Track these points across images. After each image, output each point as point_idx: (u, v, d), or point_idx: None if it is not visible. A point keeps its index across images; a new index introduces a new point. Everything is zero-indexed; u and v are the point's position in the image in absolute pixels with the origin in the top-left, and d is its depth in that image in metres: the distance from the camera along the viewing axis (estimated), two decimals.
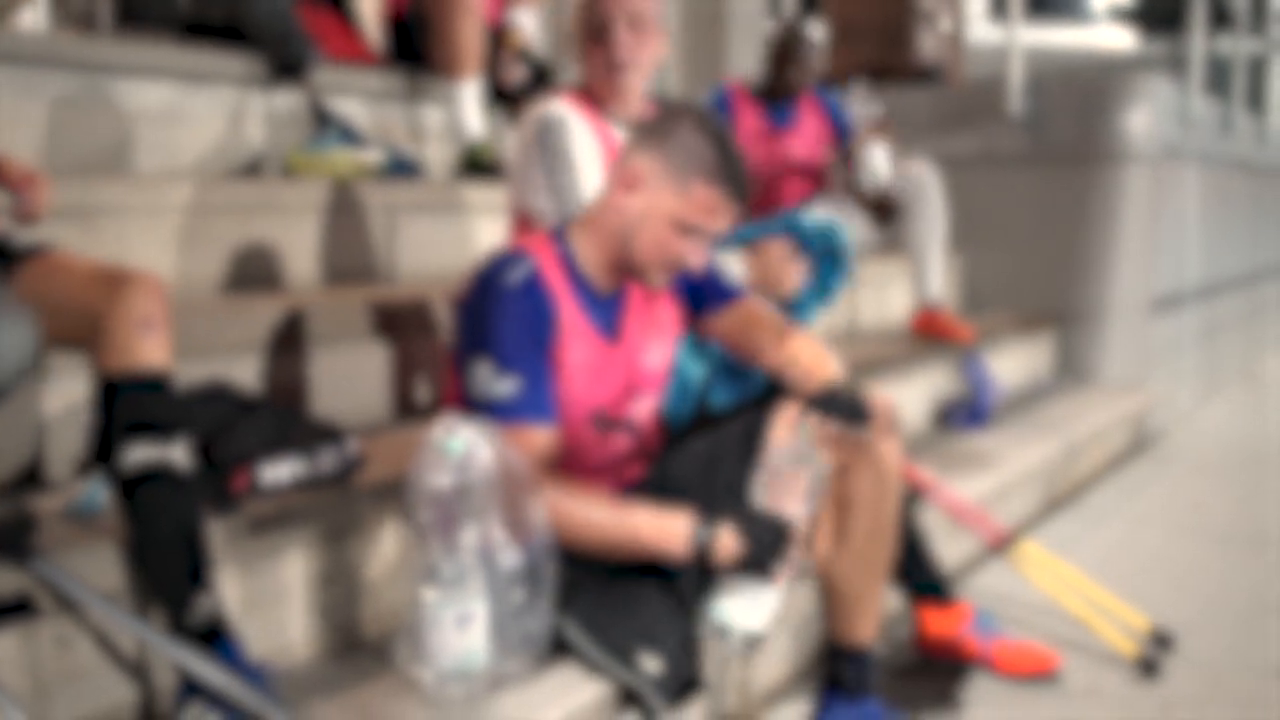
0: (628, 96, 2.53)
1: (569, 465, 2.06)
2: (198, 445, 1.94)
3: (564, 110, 2.52)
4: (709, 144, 2.01)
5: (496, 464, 1.82)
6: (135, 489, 1.70)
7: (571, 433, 2.07)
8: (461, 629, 1.79)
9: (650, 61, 2.53)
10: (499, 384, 1.95)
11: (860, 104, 4.06)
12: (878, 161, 4.03)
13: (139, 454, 1.69)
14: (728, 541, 1.94)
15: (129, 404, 1.70)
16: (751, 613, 1.97)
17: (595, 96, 2.54)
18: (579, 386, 2.06)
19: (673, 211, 2.01)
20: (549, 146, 2.48)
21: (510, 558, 1.84)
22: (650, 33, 2.50)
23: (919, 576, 2.61)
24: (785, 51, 4.22)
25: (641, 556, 1.99)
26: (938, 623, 2.62)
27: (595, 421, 2.11)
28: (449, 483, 1.78)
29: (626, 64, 2.48)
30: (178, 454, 1.72)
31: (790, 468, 1.99)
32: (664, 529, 1.96)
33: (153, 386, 1.72)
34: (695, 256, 2.05)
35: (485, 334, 1.98)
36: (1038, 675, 2.60)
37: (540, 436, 1.97)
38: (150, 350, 1.71)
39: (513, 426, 1.94)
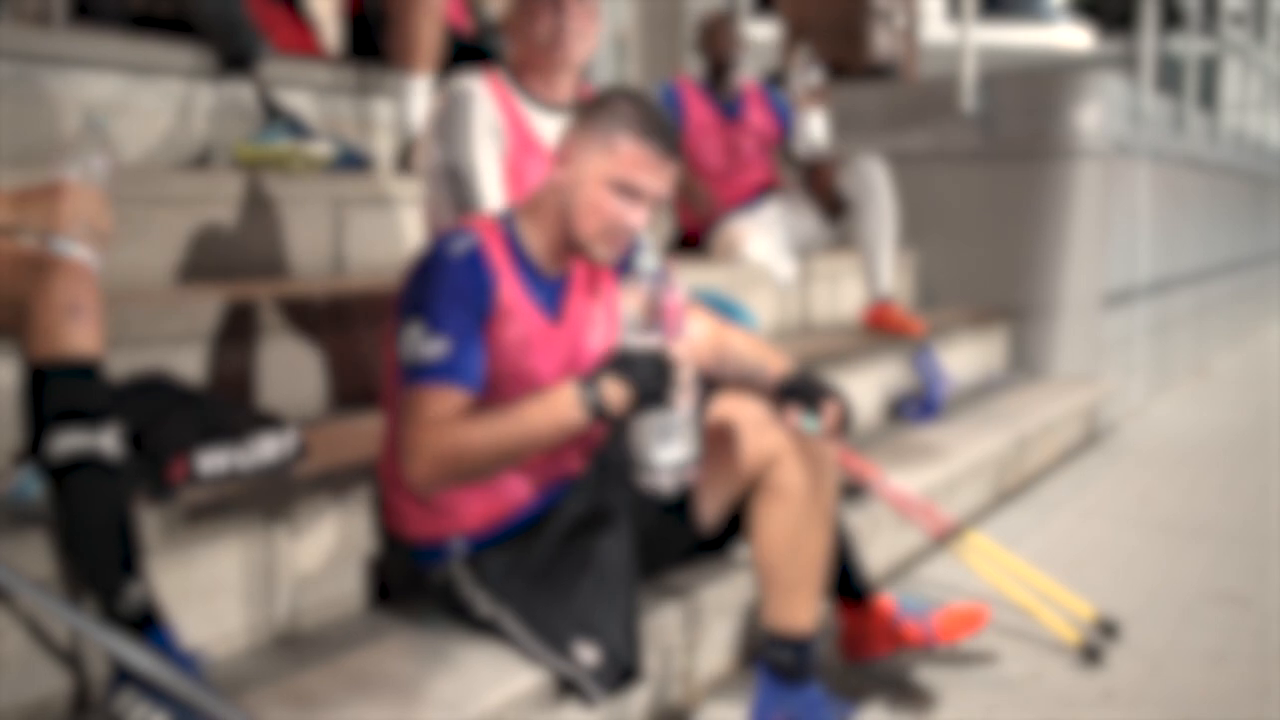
0: (560, 78, 2.47)
1: None
2: (133, 433, 1.93)
3: (475, 86, 2.46)
4: (632, 105, 2.06)
5: None
6: (64, 477, 1.68)
7: None
8: None
9: (592, 43, 2.47)
10: (427, 345, 1.96)
11: (800, 72, 4.15)
12: (814, 127, 4.18)
13: (67, 442, 1.67)
14: (615, 391, 1.92)
15: (57, 391, 1.68)
16: (668, 447, 1.96)
17: (522, 77, 2.49)
18: (517, 365, 2.07)
19: (603, 171, 2.04)
20: (451, 121, 2.43)
21: None
22: (594, 14, 2.46)
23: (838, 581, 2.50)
24: (713, 29, 4.29)
25: (549, 441, 1.96)
26: (861, 624, 2.53)
27: None
28: None
29: (573, 34, 2.42)
30: (107, 441, 1.71)
31: (645, 307, 1.98)
32: (553, 406, 1.94)
33: (81, 373, 1.70)
34: (634, 216, 2.06)
35: (421, 298, 2.00)
36: (977, 630, 2.52)
37: (457, 400, 1.96)
38: (78, 336, 1.69)
39: (432, 388, 1.95)
